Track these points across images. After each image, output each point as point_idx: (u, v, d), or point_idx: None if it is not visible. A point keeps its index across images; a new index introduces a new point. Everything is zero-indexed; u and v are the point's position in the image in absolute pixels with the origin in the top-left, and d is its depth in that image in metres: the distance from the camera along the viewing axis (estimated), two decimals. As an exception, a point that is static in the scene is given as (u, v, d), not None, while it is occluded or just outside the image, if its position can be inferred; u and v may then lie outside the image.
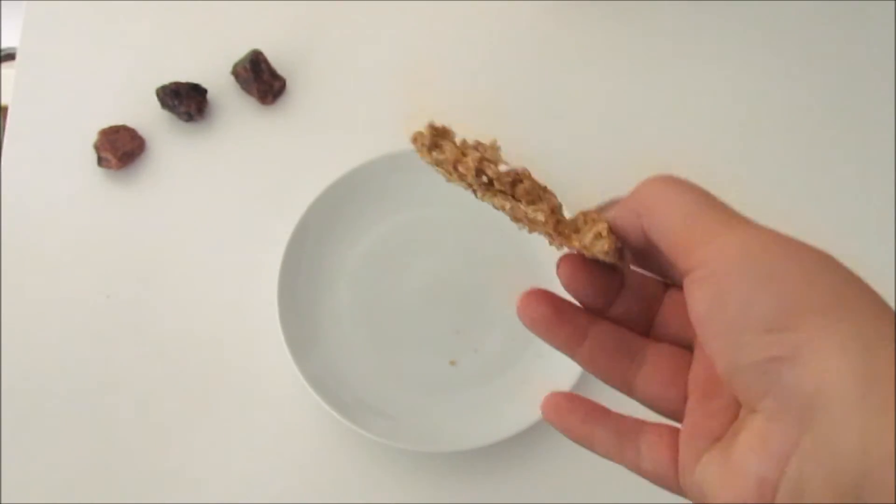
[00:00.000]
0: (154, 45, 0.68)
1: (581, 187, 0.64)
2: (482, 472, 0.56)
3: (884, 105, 0.69)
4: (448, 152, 0.29)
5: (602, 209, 0.29)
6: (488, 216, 0.62)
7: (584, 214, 0.29)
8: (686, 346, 0.30)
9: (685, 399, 0.29)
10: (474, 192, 0.30)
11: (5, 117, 0.65)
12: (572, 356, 0.30)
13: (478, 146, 0.30)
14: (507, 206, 0.29)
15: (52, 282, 0.60)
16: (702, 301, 0.24)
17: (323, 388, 0.55)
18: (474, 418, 0.56)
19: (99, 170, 0.63)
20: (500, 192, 0.29)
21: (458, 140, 0.30)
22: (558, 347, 0.30)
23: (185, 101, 0.63)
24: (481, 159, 0.29)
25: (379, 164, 0.61)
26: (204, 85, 0.65)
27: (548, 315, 0.30)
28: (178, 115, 0.64)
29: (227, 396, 0.57)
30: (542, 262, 0.61)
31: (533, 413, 0.54)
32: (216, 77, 0.66)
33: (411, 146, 0.30)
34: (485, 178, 0.29)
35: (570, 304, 0.30)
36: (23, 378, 0.57)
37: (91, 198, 0.62)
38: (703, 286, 0.24)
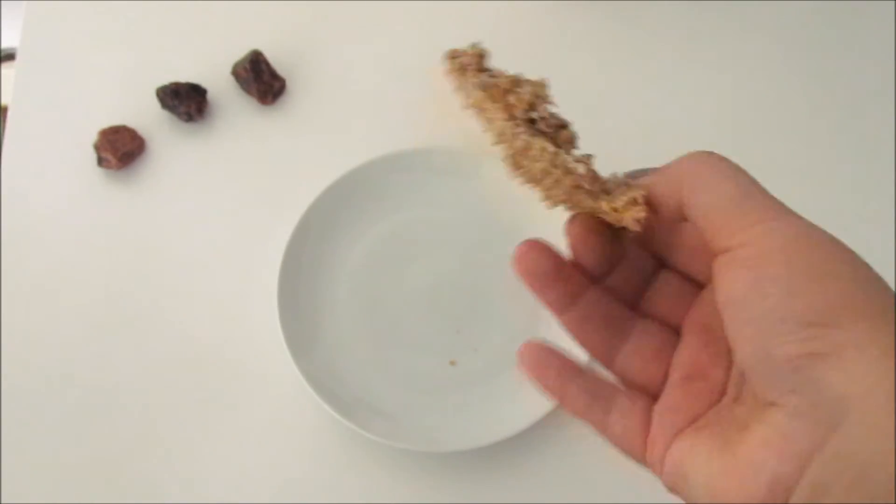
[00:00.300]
0: (154, 45, 0.68)
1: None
2: (482, 472, 0.56)
3: (884, 105, 0.69)
4: (500, 77, 0.27)
5: (634, 177, 0.28)
6: (489, 216, 0.63)
7: (616, 178, 0.28)
8: (671, 327, 0.29)
9: (664, 380, 0.28)
10: (511, 129, 0.27)
11: (5, 117, 0.65)
12: (559, 317, 0.30)
13: (524, 82, 0.27)
14: (550, 149, 0.27)
15: (52, 281, 0.60)
16: (739, 282, 0.23)
17: (323, 388, 0.55)
18: (474, 418, 0.56)
19: (99, 170, 0.63)
20: (543, 133, 0.27)
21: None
22: (547, 305, 0.29)
23: (185, 101, 0.63)
24: (534, 93, 0.27)
25: (379, 164, 0.61)
26: (204, 85, 0.65)
27: (544, 269, 0.29)
28: (178, 115, 0.64)
29: (226, 396, 0.57)
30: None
31: (533, 413, 0.54)
32: (216, 77, 0.66)
33: (446, 61, 0.27)
34: (533, 115, 0.27)
35: (567, 262, 0.29)
36: (23, 378, 0.57)
37: (91, 198, 0.62)
38: (744, 268, 0.23)
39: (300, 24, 0.69)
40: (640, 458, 0.28)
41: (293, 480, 0.55)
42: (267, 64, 0.65)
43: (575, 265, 0.29)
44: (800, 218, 0.24)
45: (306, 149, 0.65)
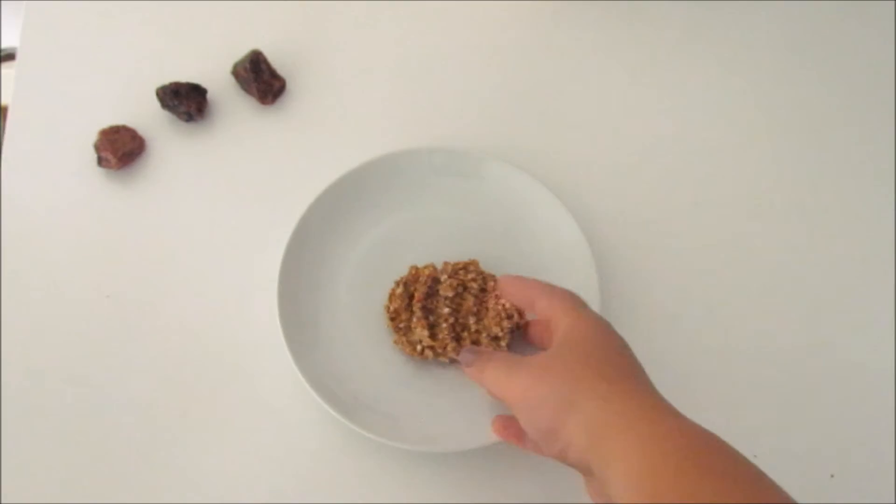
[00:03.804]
0: (154, 45, 0.68)
1: (581, 187, 0.64)
2: (482, 472, 0.56)
3: (884, 105, 0.69)
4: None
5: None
6: (488, 217, 0.63)
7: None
8: None
9: None
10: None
11: (5, 117, 0.65)
12: (525, 448, 0.51)
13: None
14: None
15: (52, 282, 0.60)
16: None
17: (323, 388, 0.55)
18: (474, 418, 0.56)
19: (99, 170, 0.63)
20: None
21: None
22: (519, 445, 0.52)
23: (185, 101, 0.63)
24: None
25: (379, 164, 0.61)
26: (204, 85, 0.65)
27: (511, 432, 0.52)
28: (178, 115, 0.64)
29: (227, 396, 0.57)
30: (542, 263, 0.61)
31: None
32: (216, 77, 0.66)
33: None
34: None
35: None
36: (23, 378, 0.57)
37: (91, 198, 0.62)
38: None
39: (300, 24, 0.69)
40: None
41: (293, 480, 0.55)
42: (267, 64, 0.65)
43: None
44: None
45: (306, 149, 0.65)
